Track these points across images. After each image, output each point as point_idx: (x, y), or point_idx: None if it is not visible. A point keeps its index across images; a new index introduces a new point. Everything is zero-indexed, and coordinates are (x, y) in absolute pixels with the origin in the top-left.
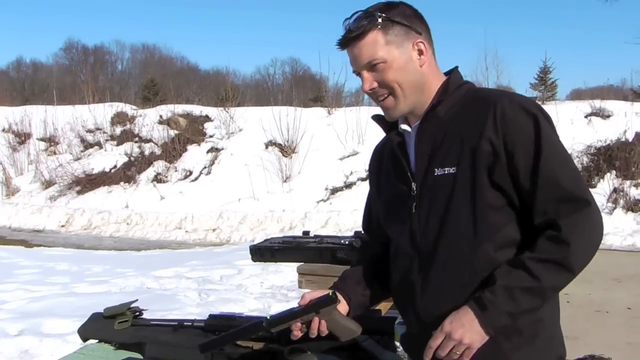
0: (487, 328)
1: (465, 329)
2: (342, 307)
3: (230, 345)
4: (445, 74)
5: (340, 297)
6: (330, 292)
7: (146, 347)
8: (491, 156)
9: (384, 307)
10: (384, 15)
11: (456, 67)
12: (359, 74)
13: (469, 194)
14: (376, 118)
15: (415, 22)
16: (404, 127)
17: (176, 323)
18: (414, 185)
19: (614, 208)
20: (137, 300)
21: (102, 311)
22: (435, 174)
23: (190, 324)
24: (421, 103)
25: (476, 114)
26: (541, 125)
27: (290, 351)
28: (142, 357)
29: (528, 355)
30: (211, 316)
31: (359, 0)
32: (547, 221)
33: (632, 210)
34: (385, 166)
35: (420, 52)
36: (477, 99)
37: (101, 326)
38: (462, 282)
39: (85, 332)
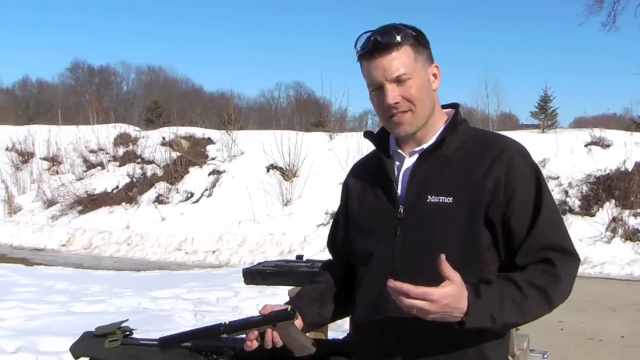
0: (468, 315)
1: (451, 304)
2: (298, 322)
3: None
4: (443, 106)
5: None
6: (289, 307)
7: None
8: (492, 195)
9: None
10: (415, 34)
11: (458, 104)
12: (380, 86)
13: (462, 228)
14: (369, 136)
15: (429, 49)
16: (399, 151)
17: None
18: (401, 209)
19: (613, 237)
20: (127, 320)
21: (94, 330)
22: (429, 200)
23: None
24: (426, 127)
25: (482, 153)
26: (541, 179)
27: None
28: None
29: None
30: None
31: (362, 26)
32: (538, 259)
33: (631, 240)
34: (368, 185)
35: (435, 77)
36: (482, 139)
37: (92, 344)
38: None
39: (77, 350)
